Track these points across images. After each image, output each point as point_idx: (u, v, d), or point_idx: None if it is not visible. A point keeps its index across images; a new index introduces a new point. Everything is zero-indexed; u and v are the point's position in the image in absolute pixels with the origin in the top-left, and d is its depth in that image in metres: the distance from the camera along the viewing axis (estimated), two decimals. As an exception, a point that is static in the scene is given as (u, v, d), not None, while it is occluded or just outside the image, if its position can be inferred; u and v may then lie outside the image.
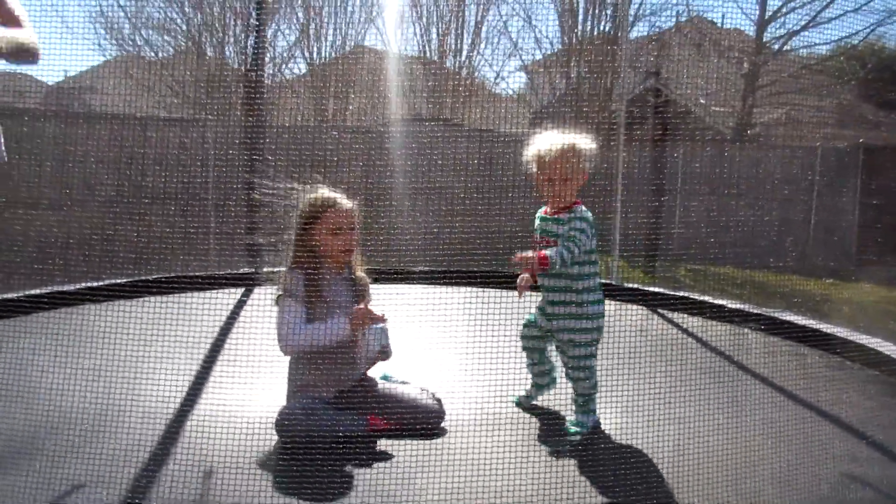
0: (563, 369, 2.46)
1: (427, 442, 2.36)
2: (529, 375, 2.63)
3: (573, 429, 2.39)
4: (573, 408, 2.43)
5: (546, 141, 2.43)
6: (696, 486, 1.97)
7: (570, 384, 2.44)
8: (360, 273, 2.68)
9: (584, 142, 2.41)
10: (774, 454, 2.12)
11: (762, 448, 2.15)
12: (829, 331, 3.21)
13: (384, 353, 2.60)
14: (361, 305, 2.48)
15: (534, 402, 2.64)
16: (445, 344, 2.72)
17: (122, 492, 1.95)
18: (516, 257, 2.27)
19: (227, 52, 10.49)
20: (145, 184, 5.67)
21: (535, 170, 2.45)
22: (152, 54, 10.73)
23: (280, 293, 2.53)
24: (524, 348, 2.61)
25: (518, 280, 2.50)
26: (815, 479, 2.01)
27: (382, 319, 2.48)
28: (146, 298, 3.12)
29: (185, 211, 5.29)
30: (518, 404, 2.61)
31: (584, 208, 2.41)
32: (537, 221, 2.53)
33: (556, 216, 2.44)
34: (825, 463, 2.10)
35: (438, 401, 2.64)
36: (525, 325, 2.59)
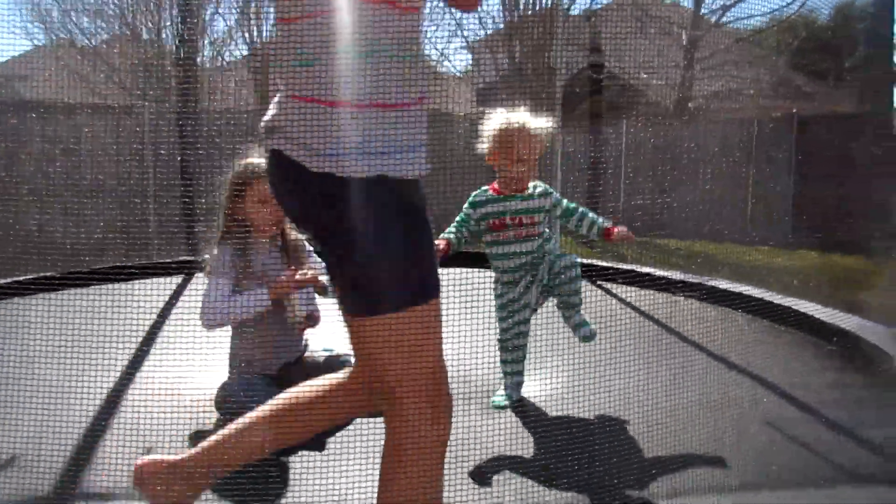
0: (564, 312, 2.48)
1: (373, 419, 2.38)
2: (507, 373, 2.49)
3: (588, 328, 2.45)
4: (576, 321, 2.48)
5: (505, 119, 2.43)
6: (630, 450, 2.03)
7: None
8: (293, 238, 2.64)
9: (542, 119, 2.44)
10: (707, 417, 2.20)
11: (695, 412, 2.22)
12: (761, 296, 3.32)
13: (311, 320, 2.53)
14: (289, 272, 2.45)
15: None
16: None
17: (59, 470, 1.93)
18: (617, 234, 2.42)
19: (164, 36, 10.21)
20: (80, 173, 5.50)
21: (495, 148, 2.43)
22: (85, 40, 10.37)
23: (207, 269, 2.49)
24: (516, 345, 2.48)
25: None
26: (746, 440, 2.09)
27: (312, 282, 2.43)
28: (82, 289, 3.04)
29: (122, 200, 5.16)
30: (503, 407, 2.42)
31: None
32: (491, 205, 2.46)
33: (518, 194, 2.44)
34: (755, 425, 2.18)
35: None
36: (515, 316, 2.47)
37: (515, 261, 2.45)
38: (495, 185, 2.50)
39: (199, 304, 2.45)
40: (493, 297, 2.48)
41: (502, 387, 2.50)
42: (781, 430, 2.16)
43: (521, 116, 2.43)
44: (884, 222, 2.89)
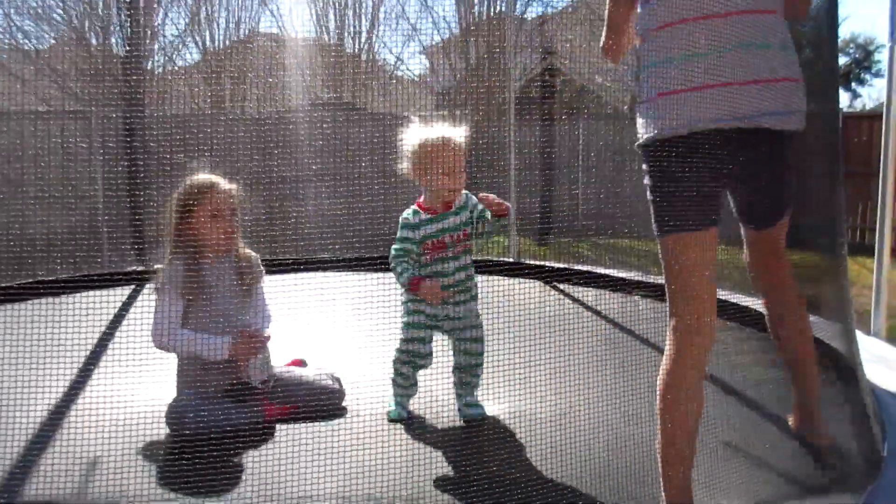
0: (456, 357, 2.42)
1: (326, 425, 2.35)
2: (398, 388, 2.48)
3: (474, 410, 2.42)
4: (464, 391, 2.45)
5: (425, 134, 2.36)
6: (582, 451, 2.04)
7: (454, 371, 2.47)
8: (245, 252, 2.61)
9: (459, 129, 2.38)
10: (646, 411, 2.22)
11: (646, 408, 2.24)
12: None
13: (266, 383, 2.54)
14: (245, 332, 2.44)
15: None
16: (344, 331, 2.70)
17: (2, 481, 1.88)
18: (486, 199, 2.24)
19: (113, 41, 9.97)
20: (25, 181, 5.34)
21: (418, 164, 2.35)
22: (29, 44, 10.07)
23: (157, 284, 2.45)
24: (414, 364, 2.44)
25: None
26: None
27: (264, 343, 2.45)
28: (29, 301, 2.95)
29: (70, 209, 5.02)
30: (398, 419, 2.44)
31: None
32: (429, 225, 2.38)
33: (451, 210, 2.37)
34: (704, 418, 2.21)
35: (337, 380, 2.63)
36: (414, 336, 2.42)
37: (454, 278, 2.38)
38: (423, 203, 2.41)
39: (151, 322, 2.40)
40: (403, 314, 2.41)
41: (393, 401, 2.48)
42: (731, 423, 2.20)
43: (440, 129, 2.36)
44: (830, 219, 2.94)
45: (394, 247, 2.40)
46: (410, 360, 2.43)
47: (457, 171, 2.33)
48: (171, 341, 2.37)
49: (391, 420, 2.42)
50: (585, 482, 1.92)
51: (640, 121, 1.86)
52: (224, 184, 2.52)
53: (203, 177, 2.52)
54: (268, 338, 2.50)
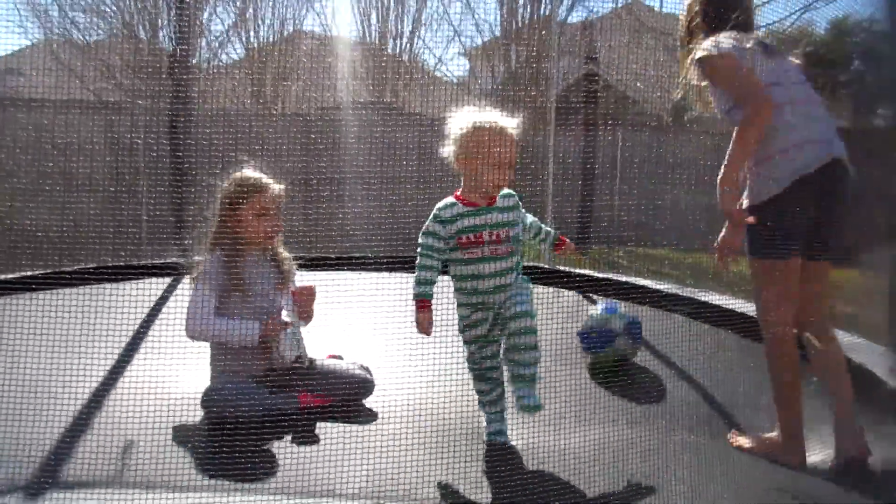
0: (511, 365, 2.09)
1: (359, 426, 2.37)
2: (489, 410, 2.26)
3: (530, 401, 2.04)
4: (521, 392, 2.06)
5: (475, 119, 2.14)
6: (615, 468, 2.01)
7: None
8: (283, 254, 2.65)
9: (514, 120, 2.16)
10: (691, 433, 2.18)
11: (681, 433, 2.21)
12: (745, 311, 3.29)
13: (300, 360, 2.53)
14: (276, 316, 2.47)
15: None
16: (380, 330, 2.71)
17: (42, 466, 1.92)
18: (567, 246, 2.30)
19: (161, 36, 10.17)
20: (72, 171, 5.46)
21: (465, 153, 2.13)
22: (81, 37, 10.33)
23: (195, 275, 2.50)
24: (486, 378, 2.24)
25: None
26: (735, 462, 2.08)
27: (296, 326, 2.46)
28: (72, 289, 3.03)
29: (113, 199, 5.13)
30: (495, 443, 2.21)
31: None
32: (468, 218, 2.13)
33: (493, 205, 2.16)
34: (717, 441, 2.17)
35: (367, 369, 2.65)
36: (480, 351, 2.21)
37: (492, 282, 2.13)
38: (461, 196, 2.18)
39: (185, 311, 2.45)
40: (458, 328, 2.19)
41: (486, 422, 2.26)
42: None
43: (493, 116, 2.15)
44: (867, 235, 2.85)
45: (420, 241, 2.17)
46: (474, 369, 2.24)
47: (506, 164, 2.12)
48: (203, 330, 2.40)
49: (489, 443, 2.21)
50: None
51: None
52: (273, 184, 2.55)
53: (254, 175, 2.56)
54: (288, 324, 2.50)
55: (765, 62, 2.26)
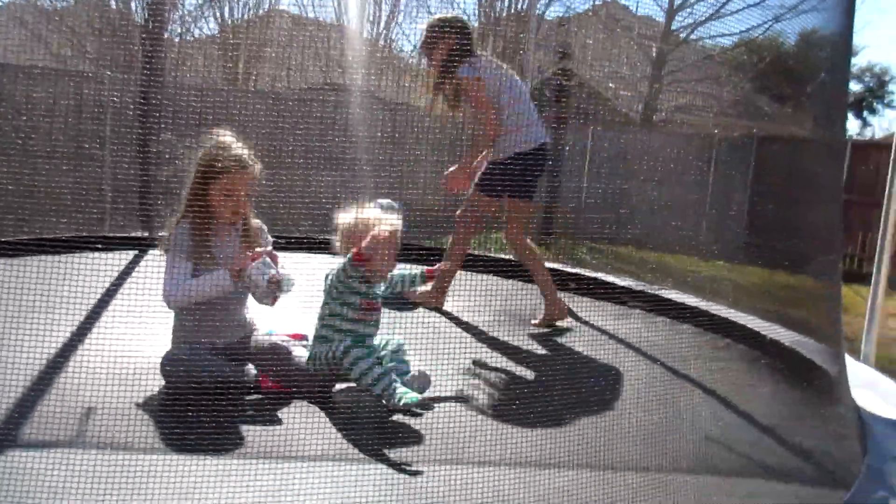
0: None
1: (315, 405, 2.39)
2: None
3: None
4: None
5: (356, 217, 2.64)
6: (573, 448, 2.08)
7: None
8: (253, 221, 2.64)
9: (391, 213, 2.67)
10: (646, 418, 2.26)
11: (635, 413, 2.29)
12: (706, 308, 3.41)
13: (278, 284, 2.44)
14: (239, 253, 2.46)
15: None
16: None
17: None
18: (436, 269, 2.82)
19: (133, 5, 9.94)
20: (33, 139, 5.34)
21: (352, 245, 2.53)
22: (48, 2, 10.04)
23: (165, 246, 2.50)
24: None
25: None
26: (682, 440, 2.16)
27: (258, 256, 2.42)
28: (29, 258, 2.98)
29: (76, 170, 5.03)
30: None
31: None
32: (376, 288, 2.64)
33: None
34: (691, 426, 2.26)
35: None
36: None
37: (371, 340, 2.64)
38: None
39: (161, 283, 2.45)
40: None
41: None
42: (716, 433, 2.24)
43: (372, 213, 2.64)
44: (827, 244, 2.98)
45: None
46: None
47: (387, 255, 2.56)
48: (182, 295, 2.40)
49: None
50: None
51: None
52: (247, 161, 2.54)
53: (232, 150, 2.54)
54: (267, 253, 2.47)
55: (498, 77, 3.69)
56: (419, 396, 2.40)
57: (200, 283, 2.43)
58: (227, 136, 2.56)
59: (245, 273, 2.40)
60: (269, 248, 2.62)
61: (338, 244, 2.66)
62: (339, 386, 2.59)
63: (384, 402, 2.42)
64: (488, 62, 3.80)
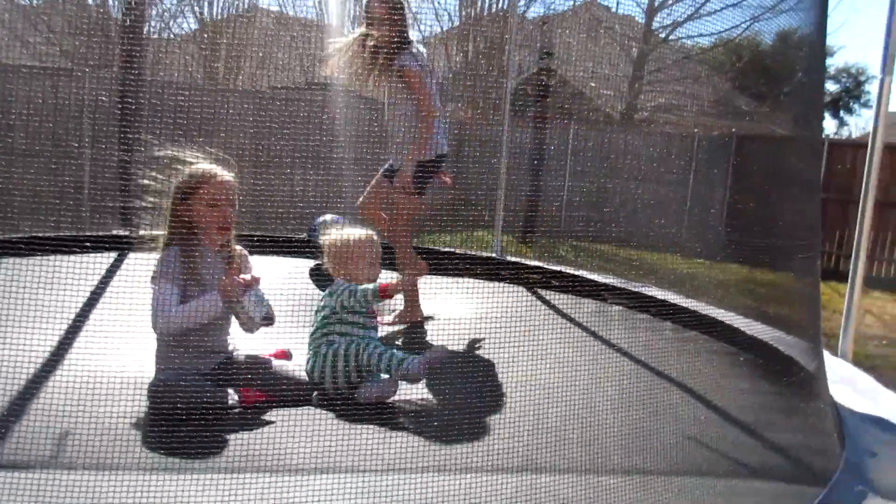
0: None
1: (297, 410, 2.38)
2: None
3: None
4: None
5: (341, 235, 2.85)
6: (554, 451, 2.08)
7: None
8: (237, 248, 2.64)
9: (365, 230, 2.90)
10: (626, 418, 2.27)
11: (615, 413, 2.29)
12: (685, 305, 3.44)
13: (268, 320, 2.57)
14: (228, 278, 2.46)
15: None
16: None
17: None
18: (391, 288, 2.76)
19: (110, 2, 9.82)
20: (9, 137, 5.27)
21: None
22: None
23: (154, 273, 2.48)
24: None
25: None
26: (660, 439, 2.18)
27: (251, 284, 2.45)
28: (5, 259, 2.94)
29: (54, 168, 4.97)
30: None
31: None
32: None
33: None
34: (669, 425, 2.27)
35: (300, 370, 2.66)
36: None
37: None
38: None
39: (151, 310, 2.42)
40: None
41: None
42: (696, 432, 2.26)
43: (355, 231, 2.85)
44: (806, 241, 3.02)
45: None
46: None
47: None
48: (173, 323, 2.39)
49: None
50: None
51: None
52: (224, 174, 2.53)
53: (203, 166, 2.53)
54: (248, 282, 2.49)
55: (429, 71, 3.59)
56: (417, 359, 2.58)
57: (191, 308, 2.42)
58: (196, 156, 2.56)
59: (239, 305, 2.43)
60: (252, 273, 2.61)
61: (328, 265, 2.84)
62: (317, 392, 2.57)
63: (391, 372, 2.61)
64: (420, 53, 3.66)
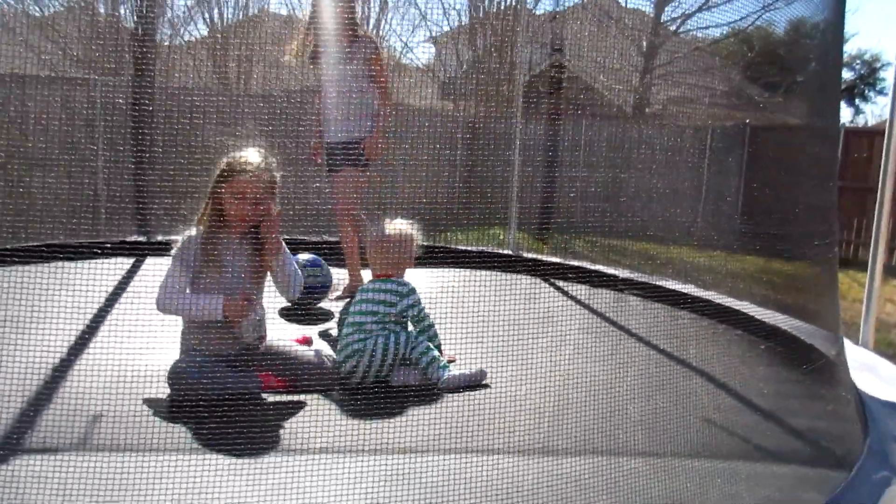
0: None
1: (318, 398, 2.40)
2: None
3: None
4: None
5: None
6: (573, 434, 2.09)
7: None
8: (273, 238, 2.64)
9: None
10: (647, 404, 2.27)
11: (635, 399, 2.30)
12: (702, 295, 3.43)
13: (259, 343, 2.63)
14: (242, 295, 2.49)
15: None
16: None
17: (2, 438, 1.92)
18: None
19: (122, 12, 9.91)
20: (26, 146, 5.34)
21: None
22: (37, 10, 10.01)
23: (174, 250, 2.53)
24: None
25: None
26: (682, 425, 2.17)
27: (254, 305, 2.49)
28: (25, 267, 2.98)
29: (69, 176, 5.02)
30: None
31: None
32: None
33: None
34: (691, 411, 2.27)
35: (327, 357, 2.69)
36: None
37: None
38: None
39: (158, 286, 2.47)
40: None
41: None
42: (714, 417, 2.26)
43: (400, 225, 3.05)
44: (824, 229, 3.00)
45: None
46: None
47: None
48: (171, 304, 2.42)
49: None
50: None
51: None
52: (260, 167, 2.55)
53: (245, 155, 2.56)
54: (254, 301, 2.54)
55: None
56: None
57: (192, 303, 2.46)
58: (250, 150, 2.59)
59: (239, 325, 2.51)
60: (289, 265, 2.63)
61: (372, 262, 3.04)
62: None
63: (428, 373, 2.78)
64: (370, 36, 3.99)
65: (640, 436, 2.09)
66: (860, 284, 4.28)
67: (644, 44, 10.16)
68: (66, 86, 6.47)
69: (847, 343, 3.00)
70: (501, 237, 5.67)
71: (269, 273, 2.63)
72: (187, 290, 2.49)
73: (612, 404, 2.15)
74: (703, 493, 1.86)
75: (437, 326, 2.95)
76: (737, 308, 3.24)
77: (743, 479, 1.99)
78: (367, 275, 3.79)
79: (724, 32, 10.02)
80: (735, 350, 2.90)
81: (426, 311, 2.96)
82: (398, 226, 3.09)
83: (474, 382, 2.75)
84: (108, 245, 4.02)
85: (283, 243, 2.64)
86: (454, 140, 6.94)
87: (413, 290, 2.92)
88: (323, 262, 3.89)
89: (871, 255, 3.76)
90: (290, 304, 3.23)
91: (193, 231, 2.55)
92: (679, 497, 1.84)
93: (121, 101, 5.59)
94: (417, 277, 3.01)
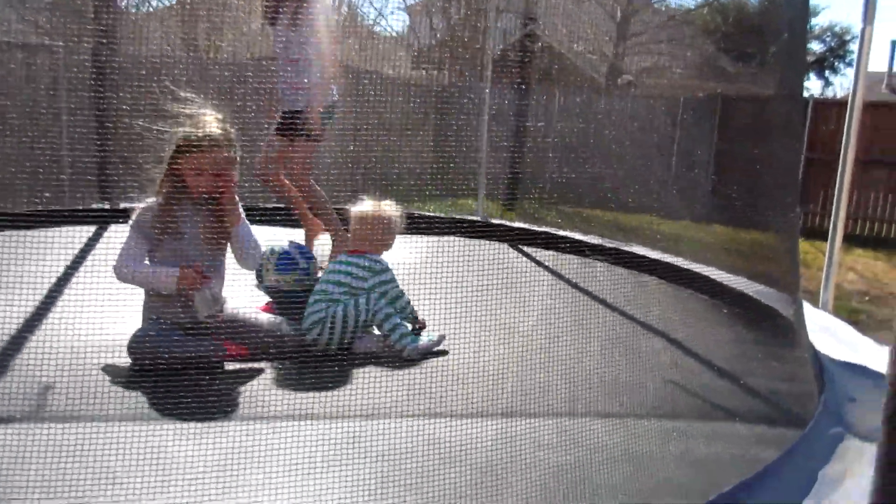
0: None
1: (280, 365, 2.40)
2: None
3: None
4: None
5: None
6: (537, 393, 2.11)
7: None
8: (228, 208, 2.61)
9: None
10: (609, 365, 2.30)
11: (599, 360, 2.33)
12: (668, 261, 3.47)
13: (212, 318, 2.60)
14: (197, 268, 2.47)
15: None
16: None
17: None
18: None
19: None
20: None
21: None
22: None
23: (133, 218, 2.50)
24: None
25: None
26: (643, 385, 2.21)
27: (207, 280, 2.46)
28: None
29: (31, 143, 4.91)
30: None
31: None
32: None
33: None
34: (652, 371, 2.31)
35: (289, 324, 2.67)
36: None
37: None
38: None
39: (117, 253, 2.44)
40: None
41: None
42: (675, 377, 2.30)
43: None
44: (785, 202, 3.04)
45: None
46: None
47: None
48: (128, 273, 2.41)
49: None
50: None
51: None
52: (219, 140, 2.50)
53: (205, 129, 2.51)
54: (207, 277, 2.52)
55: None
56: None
57: (147, 274, 2.46)
58: (208, 115, 2.54)
59: (193, 297, 2.48)
60: (241, 218, 2.60)
61: (353, 238, 3.05)
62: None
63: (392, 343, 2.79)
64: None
65: (601, 396, 2.13)
66: (824, 254, 4.38)
67: (618, 14, 10.12)
68: (26, 52, 6.29)
69: (807, 306, 3.06)
70: (472, 206, 5.67)
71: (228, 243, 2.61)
72: (145, 261, 2.46)
73: (573, 365, 2.18)
74: (661, 450, 1.90)
75: (407, 295, 2.95)
76: (700, 272, 3.28)
77: (701, 437, 2.03)
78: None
79: (696, 3, 10.02)
80: (698, 313, 2.95)
81: (401, 288, 2.95)
82: (384, 206, 3.07)
83: (434, 347, 2.77)
84: (66, 212, 3.95)
85: (242, 213, 2.62)
86: (426, 109, 6.88)
87: (387, 269, 2.91)
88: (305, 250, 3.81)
89: (832, 219, 3.84)
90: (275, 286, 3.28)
91: (151, 200, 2.52)
92: (639, 454, 1.88)
93: (84, 65, 5.45)
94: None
